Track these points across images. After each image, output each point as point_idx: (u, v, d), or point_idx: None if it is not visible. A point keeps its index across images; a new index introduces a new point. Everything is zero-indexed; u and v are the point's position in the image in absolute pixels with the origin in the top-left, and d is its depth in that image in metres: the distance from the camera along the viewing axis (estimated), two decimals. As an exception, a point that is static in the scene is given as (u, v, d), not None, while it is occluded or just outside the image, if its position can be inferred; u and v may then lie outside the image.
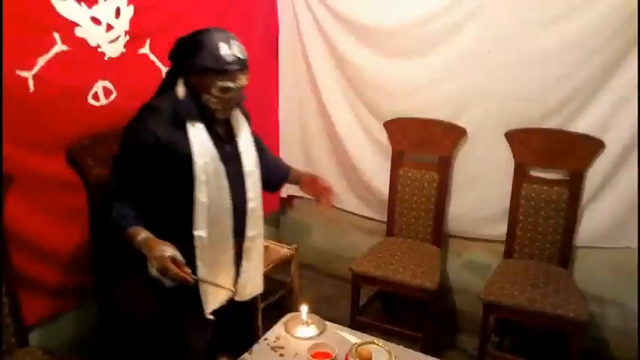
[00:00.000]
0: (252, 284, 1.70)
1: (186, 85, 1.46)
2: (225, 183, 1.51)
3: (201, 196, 1.46)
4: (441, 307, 2.59)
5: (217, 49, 1.40)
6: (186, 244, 1.47)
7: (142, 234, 1.41)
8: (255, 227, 1.64)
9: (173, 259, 1.37)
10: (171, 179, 1.47)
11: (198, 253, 1.50)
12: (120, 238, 1.44)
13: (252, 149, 1.62)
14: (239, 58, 1.43)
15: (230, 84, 1.43)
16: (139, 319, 1.61)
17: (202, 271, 1.51)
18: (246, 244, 1.63)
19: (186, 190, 1.46)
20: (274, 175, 1.82)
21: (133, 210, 1.46)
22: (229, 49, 1.41)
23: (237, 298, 1.66)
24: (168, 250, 1.38)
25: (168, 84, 1.50)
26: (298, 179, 1.85)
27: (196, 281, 1.44)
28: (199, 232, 1.49)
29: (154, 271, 1.39)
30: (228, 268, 1.61)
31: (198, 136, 1.46)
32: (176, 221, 1.49)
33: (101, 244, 1.88)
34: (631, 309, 2.20)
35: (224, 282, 1.59)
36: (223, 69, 1.41)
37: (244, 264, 1.65)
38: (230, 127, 1.59)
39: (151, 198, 1.47)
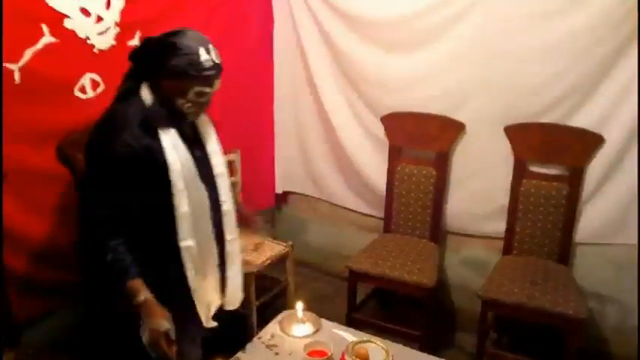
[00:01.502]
0: (238, 289, 1.67)
1: (152, 88, 1.40)
2: (201, 187, 1.48)
3: (182, 204, 1.42)
4: (439, 304, 2.57)
5: (197, 54, 1.35)
6: (171, 257, 1.44)
7: (142, 294, 1.37)
8: (233, 230, 1.61)
9: (166, 335, 1.35)
10: (149, 190, 1.41)
11: (187, 264, 1.46)
12: (116, 284, 1.38)
13: (219, 151, 1.58)
14: (216, 63, 1.39)
15: (207, 89, 1.40)
16: (125, 323, 1.57)
17: (194, 282, 1.48)
18: (227, 248, 1.60)
19: (165, 199, 1.42)
20: None
21: (126, 247, 1.38)
22: (208, 55, 1.37)
23: (229, 307, 1.63)
24: (165, 325, 1.35)
25: (131, 87, 1.42)
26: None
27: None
28: (187, 242, 1.45)
29: (144, 337, 1.36)
30: (215, 275, 1.58)
31: (171, 142, 1.41)
32: (158, 234, 1.44)
33: (85, 243, 1.85)
34: (630, 306, 2.18)
35: (213, 290, 1.57)
36: (203, 75, 1.37)
37: (231, 269, 1.61)
38: (196, 129, 1.55)
39: (132, 214, 1.41)
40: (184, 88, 1.37)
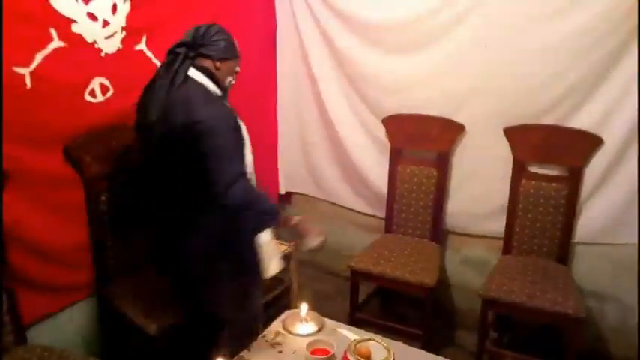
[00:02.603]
0: None
1: (202, 71, 1.58)
2: None
3: (250, 164, 1.65)
4: (440, 303, 2.59)
5: (233, 39, 1.64)
6: None
7: (295, 217, 1.69)
8: None
9: None
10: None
11: None
12: (274, 224, 1.64)
13: None
14: None
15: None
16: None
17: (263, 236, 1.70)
18: None
19: None
20: None
21: None
22: None
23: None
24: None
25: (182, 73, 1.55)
26: None
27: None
28: None
29: (314, 242, 1.68)
30: None
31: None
32: None
33: (102, 240, 1.88)
34: (629, 305, 2.20)
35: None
36: (239, 56, 1.67)
37: None
38: None
39: None
40: (234, 68, 1.65)
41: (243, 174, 1.53)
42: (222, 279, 1.67)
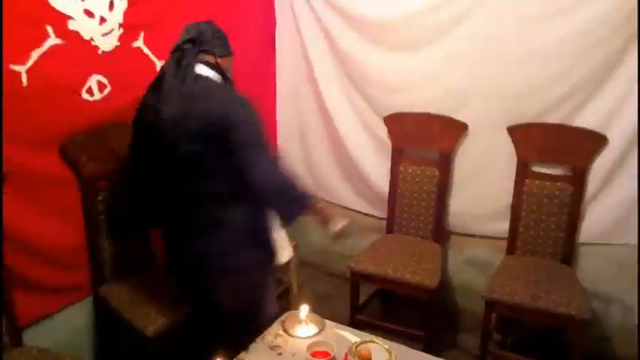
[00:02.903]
0: None
1: (210, 67, 1.58)
2: None
3: None
4: (442, 304, 2.57)
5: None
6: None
7: (320, 202, 1.68)
8: None
9: None
10: None
11: None
12: (307, 208, 1.61)
13: None
14: None
15: None
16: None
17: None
18: None
19: None
20: None
21: None
22: None
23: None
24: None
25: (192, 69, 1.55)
26: None
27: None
28: None
29: (338, 225, 1.66)
30: None
31: None
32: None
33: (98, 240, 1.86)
34: (633, 306, 2.17)
35: None
36: (233, 53, 1.68)
37: None
38: None
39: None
40: (231, 64, 1.67)
41: (277, 159, 1.53)
42: (245, 273, 1.67)
